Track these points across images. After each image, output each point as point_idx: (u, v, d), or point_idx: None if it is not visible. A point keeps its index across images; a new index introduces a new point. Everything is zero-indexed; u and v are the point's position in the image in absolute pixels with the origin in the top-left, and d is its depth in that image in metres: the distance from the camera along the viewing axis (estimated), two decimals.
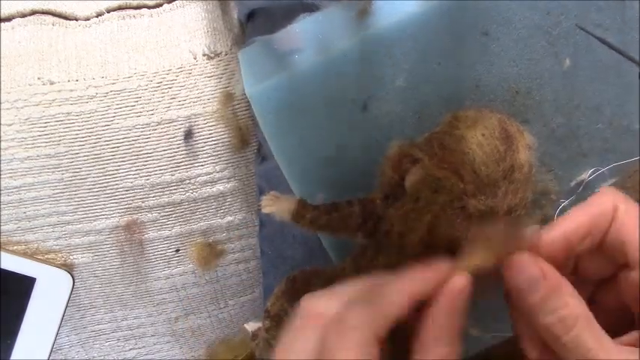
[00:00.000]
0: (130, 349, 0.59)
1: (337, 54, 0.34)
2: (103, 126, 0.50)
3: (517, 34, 0.36)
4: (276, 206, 0.39)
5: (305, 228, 0.39)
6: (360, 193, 0.36)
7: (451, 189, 0.33)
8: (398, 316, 0.30)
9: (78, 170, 0.51)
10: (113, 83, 0.50)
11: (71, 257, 0.54)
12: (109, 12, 0.53)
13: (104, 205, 0.53)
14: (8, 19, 0.52)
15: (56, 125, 0.50)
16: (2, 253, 0.51)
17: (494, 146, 0.33)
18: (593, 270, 0.33)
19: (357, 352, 0.28)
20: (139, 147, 0.51)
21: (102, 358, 0.59)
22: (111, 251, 0.55)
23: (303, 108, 0.35)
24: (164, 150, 0.52)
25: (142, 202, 0.53)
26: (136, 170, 0.52)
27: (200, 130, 0.52)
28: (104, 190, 0.52)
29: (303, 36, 0.34)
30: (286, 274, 0.42)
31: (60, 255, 0.54)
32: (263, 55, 0.35)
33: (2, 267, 0.51)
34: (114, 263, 0.55)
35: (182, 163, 0.52)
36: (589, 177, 0.38)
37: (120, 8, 0.53)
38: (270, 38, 0.36)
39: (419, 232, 0.35)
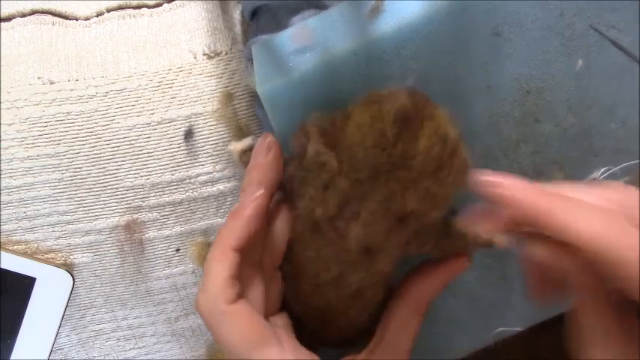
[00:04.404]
0: (130, 348, 0.59)
1: (348, 53, 0.34)
2: (103, 125, 0.50)
3: (529, 35, 0.36)
4: None
5: None
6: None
7: (330, 167, 0.33)
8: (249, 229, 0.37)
9: (78, 170, 0.51)
10: (113, 83, 0.50)
11: (71, 257, 0.54)
12: (109, 12, 0.53)
13: (104, 204, 0.53)
14: (8, 19, 0.52)
15: (56, 125, 0.49)
16: (2, 253, 0.51)
17: (380, 130, 0.32)
18: None
19: (218, 260, 0.36)
20: (139, 146, 0.51)
21: (102, 358, 0.59)
22: (111, 251, 0.54)
23: (314, 106, 0.35)
24: (164, 149, 0.52)
25: (142, 201, 0.53)
26: (136, 170, 0.52)
27: (200, 129, 0.52)
28: (104, 190, 0.52)
29: (316, 33, 0.34)
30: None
31: (60, 255, 0.54)
32: (274, 53, 0.35)
33: (2, 267, 0.51)
34: (114, 263, 0.55)
35: (182, 163, 0.52)
36: (600, 176, 0.38)
37: (120, 8, 0.53)
38: (281, 35, 0.36)
39: (305, 200, 0.36)
